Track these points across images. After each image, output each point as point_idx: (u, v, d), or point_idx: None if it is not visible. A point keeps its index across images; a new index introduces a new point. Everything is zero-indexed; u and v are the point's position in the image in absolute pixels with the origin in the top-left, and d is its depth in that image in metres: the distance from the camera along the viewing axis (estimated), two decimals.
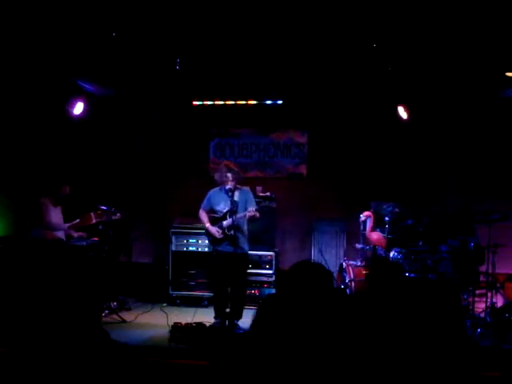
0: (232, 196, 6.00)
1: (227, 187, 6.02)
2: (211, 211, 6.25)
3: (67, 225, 6.76)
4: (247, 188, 6.56)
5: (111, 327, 5.88)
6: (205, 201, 6.29)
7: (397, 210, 6.53)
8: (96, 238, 6.82)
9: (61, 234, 6.72)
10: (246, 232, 6.20)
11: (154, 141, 8.33)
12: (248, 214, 6.00)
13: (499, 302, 6.27)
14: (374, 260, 6.40)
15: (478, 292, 6.10)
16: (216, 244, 6.18)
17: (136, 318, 6.64)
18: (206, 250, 7.37)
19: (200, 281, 7.41)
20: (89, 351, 2.01)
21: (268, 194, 7.70)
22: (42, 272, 6.07)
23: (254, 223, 6.37)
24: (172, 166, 8.34)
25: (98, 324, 2.19)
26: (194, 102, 7.97)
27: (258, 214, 6.05)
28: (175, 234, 7.63)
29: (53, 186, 6.71)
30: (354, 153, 7.98)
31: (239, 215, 5.98)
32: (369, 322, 2.57)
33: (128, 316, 6.63)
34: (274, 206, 6.42)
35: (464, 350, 2.50)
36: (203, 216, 6.25)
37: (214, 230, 6.10)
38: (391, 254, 6.44)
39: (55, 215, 6.70)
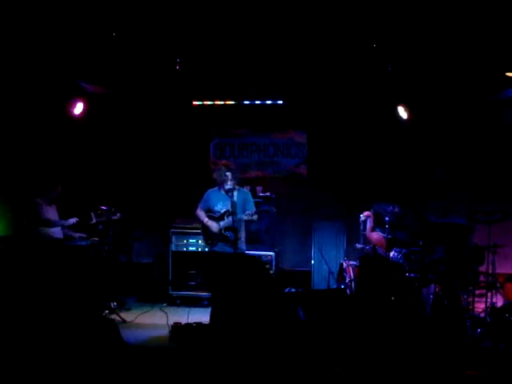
0: (231, 196, 5.98)
1: (227, 187, 6.01)
2: (208, 211, 6.24)
3: (64, 221, 6.75)
4: (246, 189, 6.55)
5: None
6: (202, 200, 6.28)
7: (397, 210, 6.53)
8: (96, 238, 6.82)
9: (59, 234, 6.71)
10: (244, 233, 6.19)
11: (154, 141, 8.33)
12: (246, 219, 6.00)
13: (499, 302, 6.28)
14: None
15: (477, 292, 6.10)
16: (213, 244, 6.17)
17: (136, 317, 6.64)
18: (206, 249, 7.36)
19: (200, 281, 7.41)
20: (87, 350, 2.02)
21: (268, 194, 7.71)
22: (42, 272, 6.09)
23: (254, 223, 6.37)
24: (172, 166, 8.34)
25: (98, 322, 2.19)
26: (194, 102, 7.97)
27: (255, 218, 6.06)
28: (175, 234, 7.63)
29: (45, 186, 6.71)
30: (354, 153, 7.98)
31: (237, 217, 5.94)
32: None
33: (128, 316, 6.63)
34: (274, 210, 6.39)
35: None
36: (201, 214, 6.24)
37: (212, 224, 6.09)
38: (391, 254, 6.44)
39: (51, 214, 6.71)
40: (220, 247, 6.11)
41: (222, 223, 6.08)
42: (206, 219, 6.17)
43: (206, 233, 6.23)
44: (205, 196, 6.29)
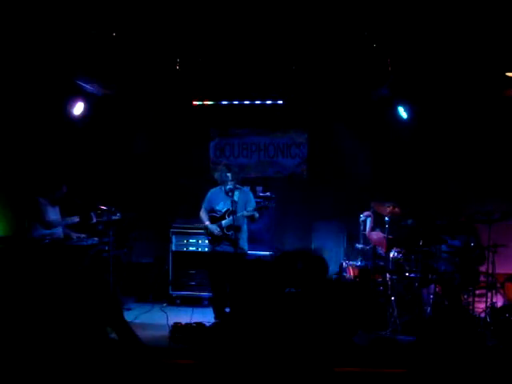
0: (232, 196, 6.02)
1: (227, 187, 6.05)
2: (211, 211, 6.29)
3: (67, 218, 6.75)
4: (247, 188, 6.59)
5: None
6: (205, 200, 6.35)
7: (397, 209, 6.53)
8: (96, 238, 6.82)
9: (59, 233, 6.71)
10: (246, 232, 6.22)
11: (154, 141, 8.32)
12: (247, 215, 6.03)
13: (499, 302, 6.27)
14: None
15: (478, 292, 6.10)
16: (215, 244, 6.20)
17: (136, 318, 6.65)
18: (206, 249, 7.35)
19: (200, 281, 7.40)
20: (90, 351, 2.02)
21: (268, 194, 7.70)
22: (43, 272, 6.08)
23: (253, 223, 6.38)
24: (172, 166, 8.34)
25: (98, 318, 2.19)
26: (194, 102, 7.97)
27: (257, 215, 6.09)
28: (175, 233, 7.63)
29: (50, 186, 6.70)
30: (354, 153, 7.97)
31: (238, 215, 5.99)
32: None
33: (128, 316, 6.62)
34: (274, 205, 6.43)
35: None
36: (204, 215, 6.30)
37: (213, 227, 6.14)
38: (391, 254, 6.44)
39: (53, 214, 6.70)
40: (222, 247, 6.14)
41: (223, 222, 6.13)
42: (207, 222, 6.24)
43: (209, 233, 6.27)
44: (207, 196, 6.36)
